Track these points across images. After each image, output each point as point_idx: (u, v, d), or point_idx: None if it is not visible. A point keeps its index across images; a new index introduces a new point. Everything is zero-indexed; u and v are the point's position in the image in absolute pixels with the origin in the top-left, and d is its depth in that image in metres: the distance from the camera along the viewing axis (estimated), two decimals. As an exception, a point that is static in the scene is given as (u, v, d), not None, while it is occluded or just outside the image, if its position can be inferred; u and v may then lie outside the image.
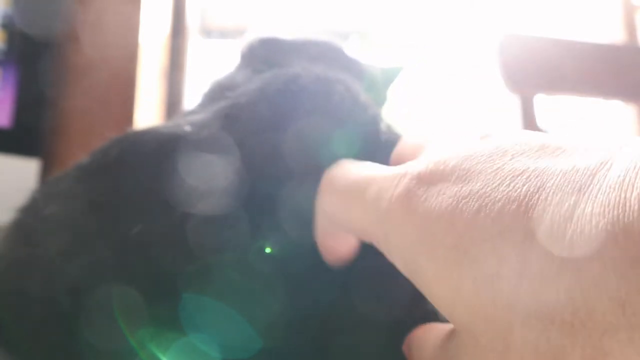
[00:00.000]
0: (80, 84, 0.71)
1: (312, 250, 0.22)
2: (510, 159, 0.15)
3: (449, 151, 0.17)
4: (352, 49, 0.41)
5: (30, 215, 0.25)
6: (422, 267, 0.16)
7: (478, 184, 0.15)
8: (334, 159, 0.24)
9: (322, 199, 0.21)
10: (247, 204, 0.23)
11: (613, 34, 1.01)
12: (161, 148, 0.24)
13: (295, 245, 0.22)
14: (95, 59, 0.71)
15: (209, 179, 0.23)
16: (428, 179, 0.16)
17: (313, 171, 0.24)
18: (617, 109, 0.95)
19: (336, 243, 0.22)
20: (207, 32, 1.00)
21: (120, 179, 0.23)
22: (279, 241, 0.22)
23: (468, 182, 0.15)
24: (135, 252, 0.22)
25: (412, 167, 0.17)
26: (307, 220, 0.23)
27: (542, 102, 0.77)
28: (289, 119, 0.26)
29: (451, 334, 0.17)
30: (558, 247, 0.13)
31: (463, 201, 0.15)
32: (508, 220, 0.14)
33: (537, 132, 0.16)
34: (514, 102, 0.75)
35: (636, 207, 0.12)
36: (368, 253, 0.23)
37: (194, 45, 0.89)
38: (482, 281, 0.14)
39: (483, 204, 0.14)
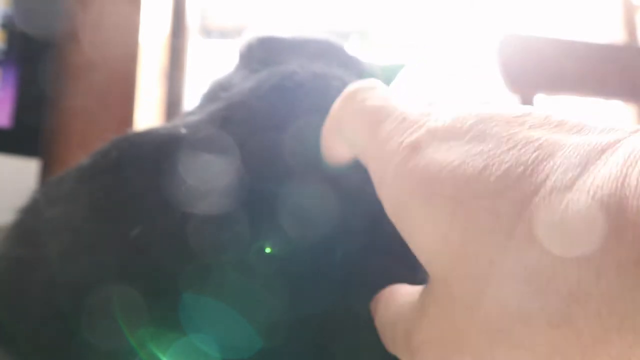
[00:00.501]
0: (80, 84, 0.71)
1: (312, 250, 0.22)
2: (528, 128, 0.15)
3: (470, 111, 0.17)
4: (352, 48, 0.41)
5: (31, 216, 0.25)
6: (413, 212, 0.16)
7: (490, 145, 0.15)
8: None
9: (342, 108, 0.21)
10: (246, 203, 0.23)
11: (613, 34, 1.01)
12: (160, 149, 0.24)
13: (295, 245, 0.22)
14: (95, 59, 0.71)
15: (207, 179, 0.23)
16: (442, 135, 0.17)
17: (311, 168, 0.24)
18: (617, 109, 0.95)
19: (338, 147, 0.22)
20: (207, 32, 1.00)
21: (120, 181, 0.23)
22: (278, 241, 0.22)
23: (480, 142, 0.16)
24: (136, 252, 0.22)
25: (430, 121, 0.18)
26: (306, 219, 0.23)
27: (543, 102, 0.77)
28: (284, 116, 0.26)
29: (421, 290, 0.18)
30: (552, 212, 0.13)
31: (471, 157, 0.15)
32: (511, 180, 0.14)
33: (559, 111, 0.16)
34: (514, 102, 0.75)
35: (634, 183, 0.12)
36: (369, 253, 0.23)
37: (194, 45, 0.89)
38: (472, 234, 0.14)
39: (490, 162, 0.15)
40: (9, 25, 0.64)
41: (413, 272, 0.24)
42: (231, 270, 0.21)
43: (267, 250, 0.22)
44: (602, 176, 0.12)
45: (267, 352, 0.21)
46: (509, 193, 0.14)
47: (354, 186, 0.25)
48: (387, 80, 0.44)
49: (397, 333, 0.18)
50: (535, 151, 0.14)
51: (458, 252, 0.15)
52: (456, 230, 0.15)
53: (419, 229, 0.16)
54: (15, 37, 0.64)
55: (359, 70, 0.36)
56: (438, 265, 0.16)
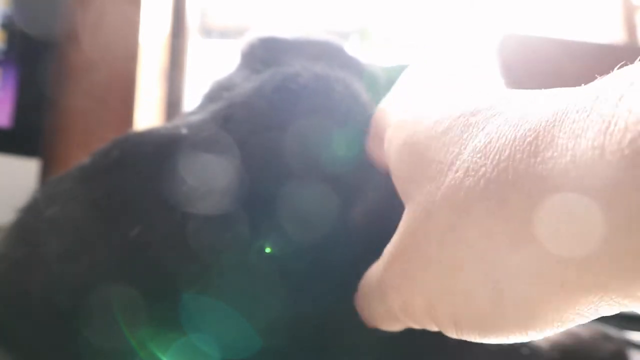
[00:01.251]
0: (80, 84, 0.71)
1: (312, 250, 0.22)
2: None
3: None
4: (352, 48, 0.41)
5: (32, 215, 0.25)
6: (397, 147, 0.20)
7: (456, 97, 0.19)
8: (333, 157, 0.24)
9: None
10: (247, 203, 0.23)
11: (613, 34, 1.01)
12: (160, 149, 0.24)
13: (295, 245, 0.22)
14: (95, 59, 0.71)
15: (207, 179, 0.23)
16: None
17: (312, 169, 0.24)
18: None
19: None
20: (207, 32, 1.00)
21: (121, 181, 0.23)
22: (278, 241, 0.22)
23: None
24: (135, 252, 0.22)
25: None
26: (306, 219, 0.23)
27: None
28: (286, 117, 0.26)
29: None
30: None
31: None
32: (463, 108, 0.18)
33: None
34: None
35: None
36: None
37: (194, 45, 0.89)
38: (431, 139, 0.18)
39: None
40: (9, 25, 0.64)
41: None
42: (231, 270, 0.22)
43: (267, 250, 0.22)
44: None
45: (266, 352, 0.21)
46: (460, 115, 0.18)
47: (354, 186, 0.25)
48: (390, 82, 0.44)
49: (371, 285, 0.20)
50: (480, 101, 0.18)
51: (419, 158, 0.18)
52: (419, 137, 0.19)
53: (396, 158, 0.20)
54: (16, 37, 0.64)
55: (359, 72, 0.36)
56: (403, 176, 0.19)
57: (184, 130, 0.25)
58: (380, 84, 0.41)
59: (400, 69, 0.45)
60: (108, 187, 0.23)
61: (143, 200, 0.23)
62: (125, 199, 0.23)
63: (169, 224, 0.22)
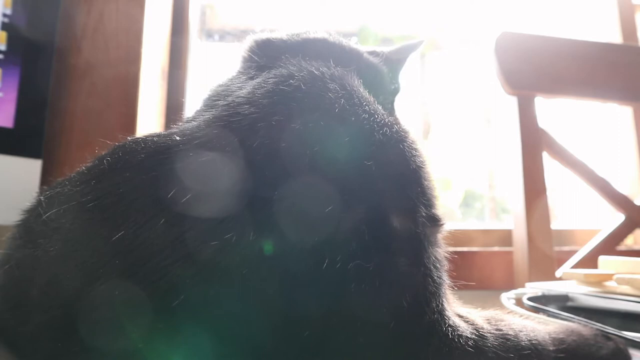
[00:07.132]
0: (82, 85, 0.71)
1: (312, 250, 0.22)
2: None
3: None
4: (352, 43, 0.41)
5: (33, 216, 0.26)
6: None
7: None
8: (328, 157, 0.24)
9: None
10: (244, 206, 0.23)
11: (612, 34, 1.01)
12: (152, 156, 0.25)
13: (293, 245, 0.22)
14: (96, 61, 0.71)
15: (198, 182, 0.23)
16: None
17: (308, 170, 0.24)
18: (616, 108, 0.95)
19: None
20: (208, 34, 1.00)
21: (114, 186, 0.24)
22: (275, 241, 0.22)
23: None
24: (115, 254, 0.22)
25: None
26: (304, 219, 0.23)
27: (543, 105, 0.76)
28: (280, 120, 0.26)
29: None
30: None
31: None
32: None
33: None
34: (512, 103, 0.75)
35: None
36: (369, 251, 0.23)
37: (196, 47, 0.90)
38: None
39: None
40: (10, 26, 0.64)
41: (415, 267, 0.25)
42: (226, 270, 0.22)
43: (265, 250, 0.22)
44: None
45: (266, 352, 0.21)
46: None
47: (353, 186, 0.25)
48: (395, 69, 0.45)
49: None
50: None
51: None
52: None
53: None
54: (17, 38, 0.64)
55: (358, 66, 0.36)
56: None
57: (177, 138, 0.25)
58: (383, 76, 0.41)
59: (410, 49, 0.45)
60: (99, 191, 0.24)
61: (131, 204, 0.23)
62: (112, 203, 0.23)
63: (157, 226, 0.22)
